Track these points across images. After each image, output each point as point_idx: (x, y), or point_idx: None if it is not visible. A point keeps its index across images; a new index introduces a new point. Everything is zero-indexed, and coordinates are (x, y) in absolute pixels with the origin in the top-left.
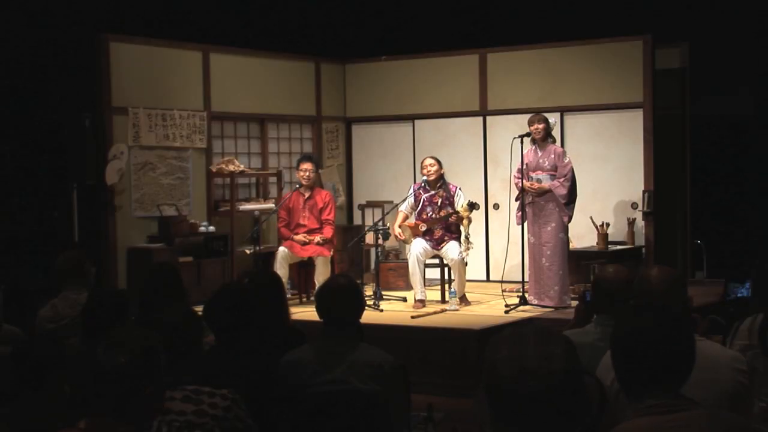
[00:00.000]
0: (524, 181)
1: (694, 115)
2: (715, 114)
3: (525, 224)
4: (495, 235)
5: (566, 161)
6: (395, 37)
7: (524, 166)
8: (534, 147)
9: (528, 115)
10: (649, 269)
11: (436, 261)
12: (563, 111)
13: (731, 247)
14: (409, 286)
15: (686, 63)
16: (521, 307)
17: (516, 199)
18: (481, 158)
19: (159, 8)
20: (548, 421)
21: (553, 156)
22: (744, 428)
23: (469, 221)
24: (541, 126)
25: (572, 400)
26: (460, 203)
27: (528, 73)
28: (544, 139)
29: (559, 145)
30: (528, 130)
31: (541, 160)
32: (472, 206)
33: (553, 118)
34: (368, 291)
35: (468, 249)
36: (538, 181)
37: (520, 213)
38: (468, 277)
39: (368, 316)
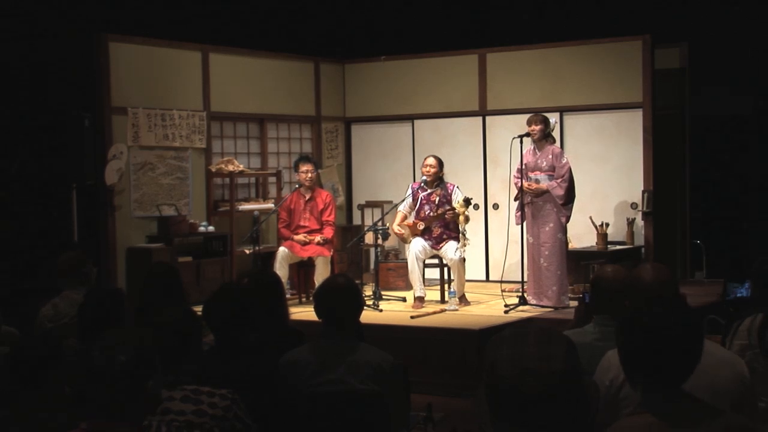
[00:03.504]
0: (523, 181)
1: (694, 115)
2: (714, 114)
3: (524, 224)
4: (494, 235)
5: (564, 162)
6: (395, 37)
7: (523, 166)
8: (533, 147)
9: (527, 116)
10: (642, 267)
11: (436, 261)
12: (563, 111)
13: (731, 247)
14: (408, 286)
15: (686, 63)
16: (520, 307)
17: (515, 199)
18: (481, 158)
19: (159, 8)
20: (548, 421)
21: (551, 156)
22: (744, 428)
23: (466, 219)
24: (537, 127)
25: (572, 400)
26: (457, 200)
27: (527, 73)
28: (541, 139)
29: (559, 145)
30: (527, 131)
31: (539, 161)
32: (468, 202)
33: (554, 118)
34: (368, 291)
35: (465, 245)
36: (536, 181)
37: (519, 213)
38: (467, 277)
39: (368, 316)
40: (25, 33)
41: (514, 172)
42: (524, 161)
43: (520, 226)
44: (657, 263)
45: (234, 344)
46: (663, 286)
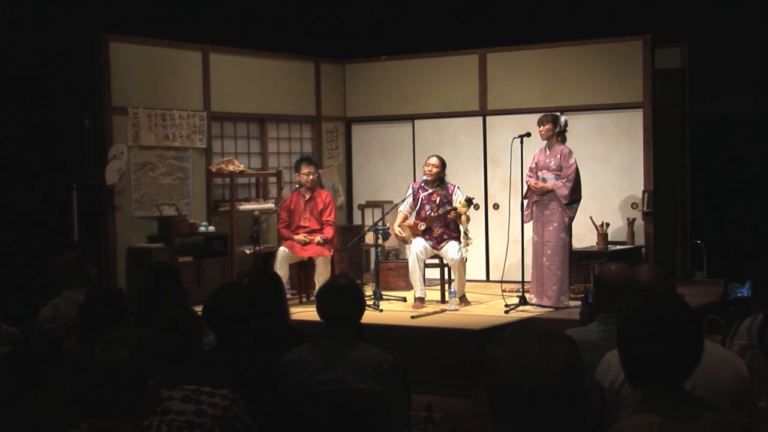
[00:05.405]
0: (531, 179)
1: (694, 115)
2: (715, 114)
3: (531, 223)
4: (495, 234)
5: (571, 162)
6: (395, 37)
7: (534, 165)
8: (544, 146)
9: (528, 116)
10: (639, 268)
11: (436, 261)
12: (563, 111)
13: (731, 247)
14: (409, 286)
15: (686, 63)
16: (521, 307)
17: (523, 197)
18: (481, 158)
19: (159, 8)
20: (550, 420)
21: (559, 156)
22: (744, 427)
23: (468, 219)
24: (544, 128)
25: (574, 400)
26: (458, 200)
27: (528, 73)
28: (550, 138)
29: None
30: (527, 130)
31: (547, 160)
32: (470, 202)
33: (564, 117)
34: (368, 291)
35: (467, 245)
36: (543, 180)
37: (528, 211)
38: (468, 277)
39: (368, 316)
40: (25, 33)
41: (526, 170)
42: (535, 160)
43: (521, 225)
44: (653, 264)
45: (234, 344)
46: (660, 286)
